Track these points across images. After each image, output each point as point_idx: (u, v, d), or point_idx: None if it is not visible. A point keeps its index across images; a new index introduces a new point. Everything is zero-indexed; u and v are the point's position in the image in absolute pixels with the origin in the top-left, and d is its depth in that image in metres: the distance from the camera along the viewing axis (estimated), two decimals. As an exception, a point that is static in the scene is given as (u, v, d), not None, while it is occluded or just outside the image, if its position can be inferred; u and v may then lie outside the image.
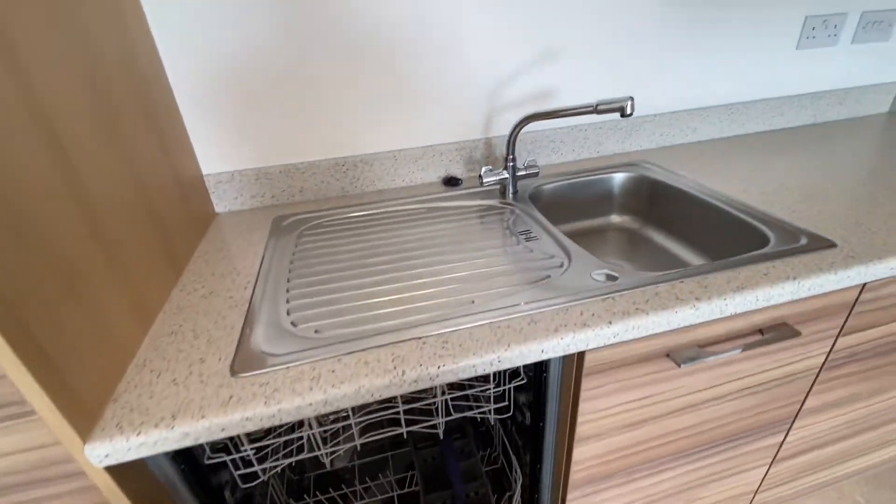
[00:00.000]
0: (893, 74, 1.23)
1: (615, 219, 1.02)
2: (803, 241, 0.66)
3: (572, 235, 0.99)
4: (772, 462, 0.85)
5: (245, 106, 0.84)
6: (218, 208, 0.91)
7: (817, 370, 0.73)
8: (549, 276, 0.64)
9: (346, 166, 0.93)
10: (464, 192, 0.94)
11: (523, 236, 0.77)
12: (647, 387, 0.62)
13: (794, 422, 0.80)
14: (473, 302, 0.59)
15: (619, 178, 0.98)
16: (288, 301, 0.61)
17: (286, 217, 0.87)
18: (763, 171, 0.92)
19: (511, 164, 0.88)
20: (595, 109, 0.74)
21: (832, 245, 0.64)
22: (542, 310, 0.55)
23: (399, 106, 0.91)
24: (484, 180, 0.87)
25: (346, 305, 0.60)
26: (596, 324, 0.52)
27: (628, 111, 0.72)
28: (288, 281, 0.66)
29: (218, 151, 0.86)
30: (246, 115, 0.85)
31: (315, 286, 0.65)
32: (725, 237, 0.79)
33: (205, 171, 0.87)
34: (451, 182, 0.98)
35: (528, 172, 0.90)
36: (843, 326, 0.69)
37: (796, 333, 0.62)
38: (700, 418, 0.71)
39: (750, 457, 0.82)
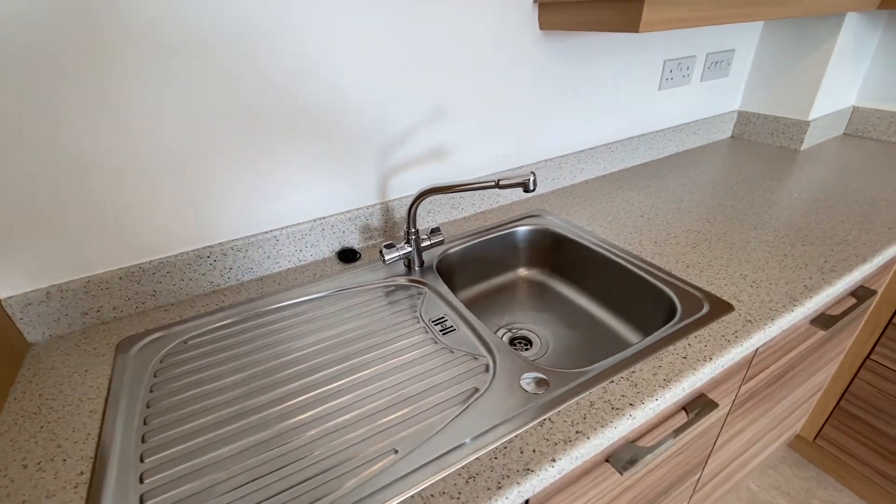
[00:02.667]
0: (732, 104, 1.40)
1: (523, 272, 0.99)
2: (706, 307, 0.68)
3: (484, 295, 0.94)
4: (692, 496, 0.90)
5: (52, 196, 0.63)
6: (32, 336, 0.68)
7: (725, 416, 0.77)
8: (476, 390, 0.57)
9: (211, 257, 0.76)
10: (364, 268, 0.83)
11: (438, 327, 0.69)
12: (590, 492, 0.59)
13: (708, 459, 0.84)
14: (396, 451, 0.49)
15: (521, 232, 0.95)
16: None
17: (136, 338, 0.67)
18: (650, 215, 0.96)
19: (414, 236, 0.79)
20: (497, 185, 0.69)
21: (730, 308, 0.67)
22: (479, 454, 0.47)
23: (273, 178, 0.77)
24: (386, 258, 0.77)
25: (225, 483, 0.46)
26: (539, 464, 0.46)
27: (531, 187, 0.68)
28: (142, 461, 0.49)
29: (18, 264, 0.64)
30: (54, 206, 0.63)
31: (183, 461, 0.49)
32: (633, 296, 0.80)
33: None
34: (347, 256, 0.86)
35: (432, 242, 0.82)
36: (744, 377, 0.73)
37: (714, 405, 0.63)
38: (633, 494, 0.70)
39: (674, 501, 0.85)
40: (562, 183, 1.12)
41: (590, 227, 0.93)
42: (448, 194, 0.95)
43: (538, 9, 0.88)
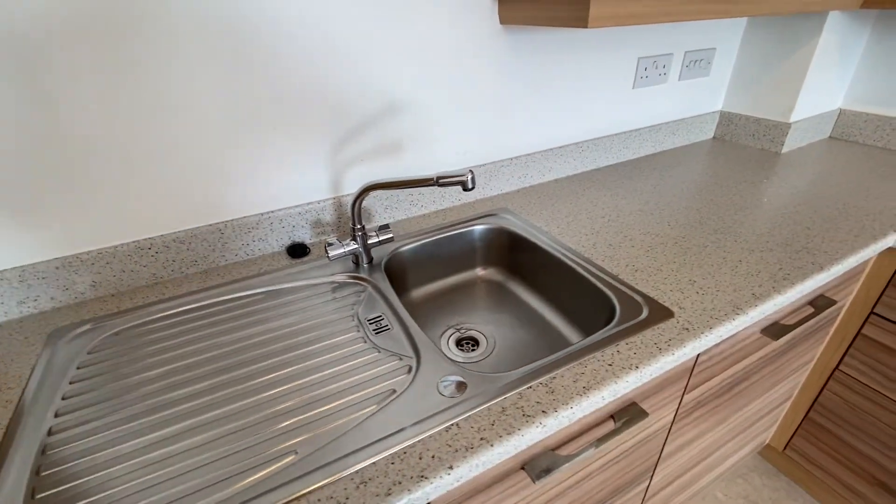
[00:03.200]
0: (714, 105, 1.36)
1: (481, 272, 0.98)
2: (644, 312, 0.66)
3: (439, 294, 0.93)
4: (642, 503, 0.88)
5: (-17, 192, 0.62)
6: (-35, 324, 0.68)
7: (668, 425, 0.76)
8: (393, 392, 0.55)
9: (153, 249, 0.75)
10: (312, 264, 0.82)
11: (373, 326, 0.68)
12: (507, 500, 0.58)
13: (655, 468, 0.83)
14: (296, 453, 0.48)
15: (478, 230, 0.94)
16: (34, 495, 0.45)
17: (68, 329, 0.67)
18: (611, 216, 0.94)
19: (360, 233, 0.78)
20: (436, 182, 0.68)
21: (670, 315, 0.65)
22: (377, 458, 0.46)
23: (220, 170, 0.76)
24: (331, 255, 0.76)
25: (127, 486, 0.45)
26: (435, 471, 0.45)
27: (469, 185, 0.66)
28: (43, 453, 0.49)
29: (-50, 253, 0.64)
30: (-13, 204, 0.63)
31: (84, 454, 0.49)
32: (579, 299, 0.79)
33: (-68, 280, 0.64)
34: (296, 251, 0.85)
35: (381, 239, 0.81)
36: (685, 387, 0.71)
37: (644, 414, 0.62)
38: (568, 500, 0.68)
39: (621, 507, 0.83)
40: (529, 181, 1.10)
41: (547, 227, 0.91)
42: (404, 190, 0.94)
43: (497, 3, 0.86)
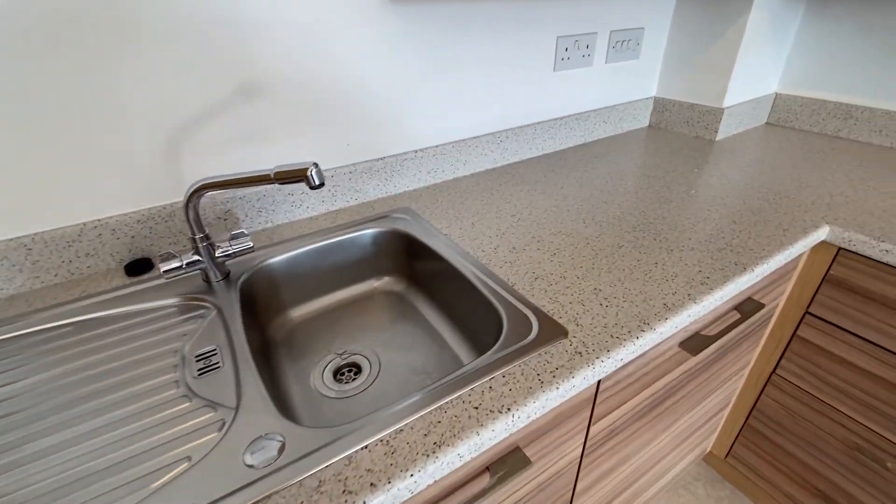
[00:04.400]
0: (648, 90, 1.27)
1: (377, 283, 0.84)
2: (533, 332, 0.54)
3: (326, 312, 0.79)
4: (561, 542, 0.78)
5: None
6: None
7: (577, 461, 0.64)
8: (188, 461, 0.41)
9: (-77, 275, 0.59)
10: (150, 284, 0.66)
11: (200, 364, 0.53)
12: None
13: (572, 501, 0.72)
14: (4, 572, 0.33)
15: (370, 235, 0.80)
16: None
17: None
18: (522, 215, 0.83)
19: (204, 244, 0.64)
20: (272, 178, 0.54)
21: (563, 334, 0.53)
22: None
23: (28, 165, 0.60)
24: (164, 271, 0.61)
25: None
26: None
27: (315, 181, 0.53)
28: None
29: None
30: None
31: None
32: (472, 313, 0.67)
33: None
34: (137, 268, 0.70)
35: (233, 250, 0.66)
36: (590, 418, 0.60)
37: (527, 462, 0.50)
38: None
39: (535, 551, 0.72)
40: (440, 177, 0.98)
41: (449, 229, 0.79)
42: (282, 189, 0.79)
43: (374, -35, 0.73)
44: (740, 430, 1.06)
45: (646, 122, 1.32)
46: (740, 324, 0.70)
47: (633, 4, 1.08)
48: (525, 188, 0.94)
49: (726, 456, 1.12)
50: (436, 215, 0.84)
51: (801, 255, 0.83)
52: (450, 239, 0.75)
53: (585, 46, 1.06)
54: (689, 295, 0.60)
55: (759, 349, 0.95)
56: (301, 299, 0.78)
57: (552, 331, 0.54)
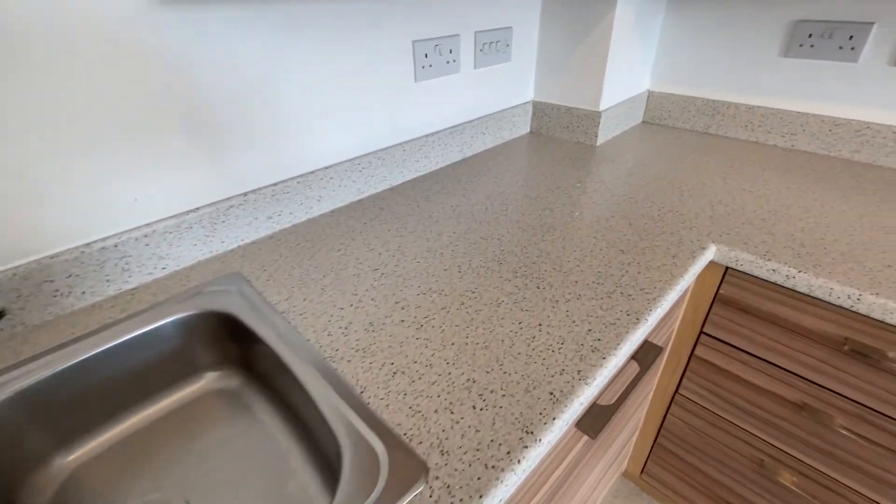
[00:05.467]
0: (525, 94, 1.18)
1: (198, 384, 0.63)
2: (382, 477, 0.38)
3: (133, 438, 0.56)
4: None
5: None
6: None
7: None
8: None
9: None
10: None
11: None
12: None
13: None
14: None
15: (174, 324, 0.59)
16: None
17: None
18: (387, 267, 0.67)
19: None
20: None
21: (423, 472, 0.38)
22: None
23: None
24: None
25: None
26: None
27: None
28: None
29: None
30: None
31: None
32: (314, 435, 0.50)
33: None
34: None
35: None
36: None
37: None
38: None
39: None
40: (286, 221, 0.78)
41: (288, 301, 0.60)
42: (45, 271, 0.55)
43: (120, -48, 0.51)
44: (651, 450, 1.01)
45: (527, 129, 1.23)
46: (641, 376, 0.61)
47: (493, 1, 0.96)
48: (393, 226, 0.78)
49: (641, 473, 1.08)
50: (274, 280, 0.65)
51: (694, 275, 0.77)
52: (287, 319, 0.57)
53: (449, 51, 0.92)
54: (579, 373, 0.48)
55: (659, 372, 0.90)
56: (77, 435, 0.55)
57: (407, 471, 0.39)
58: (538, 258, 0.68)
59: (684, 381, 0.87)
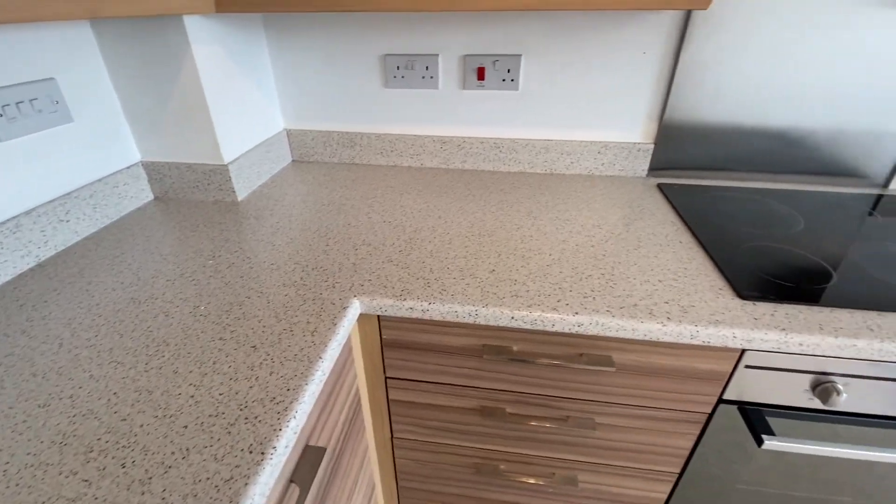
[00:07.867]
0: (126, 157, 0.92)
1: None
2: None
3: None
4: None
5: None
6: None
7: None
8: None
9: None
10: None
11: None
12: None
13: None
14: None
15: None
16: None
17: None
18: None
19: None
20: None
21: None
22: None
23: None
24: None
25: None
26: None
27: None
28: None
29: None
30: None
31: None
32: None
33: None
34: None
35: None
36: None
37: None
38: None
39: None
40: None
41: None
42: None
43: None
44: (398, 494, 0.98)
45: (149, 196, 0.98)
46: (305, 496, 0.51)
47: (42, 50, 0.68)
48: None
49: (400, 516, 1.04)
50: None
51: (349, 335, 0.72)
52: None
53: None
54: None
55: (369, 428, 0.85)
56: None
57: None
58: (135, 412, 0.49)
59: (393, 424, 0.85)
